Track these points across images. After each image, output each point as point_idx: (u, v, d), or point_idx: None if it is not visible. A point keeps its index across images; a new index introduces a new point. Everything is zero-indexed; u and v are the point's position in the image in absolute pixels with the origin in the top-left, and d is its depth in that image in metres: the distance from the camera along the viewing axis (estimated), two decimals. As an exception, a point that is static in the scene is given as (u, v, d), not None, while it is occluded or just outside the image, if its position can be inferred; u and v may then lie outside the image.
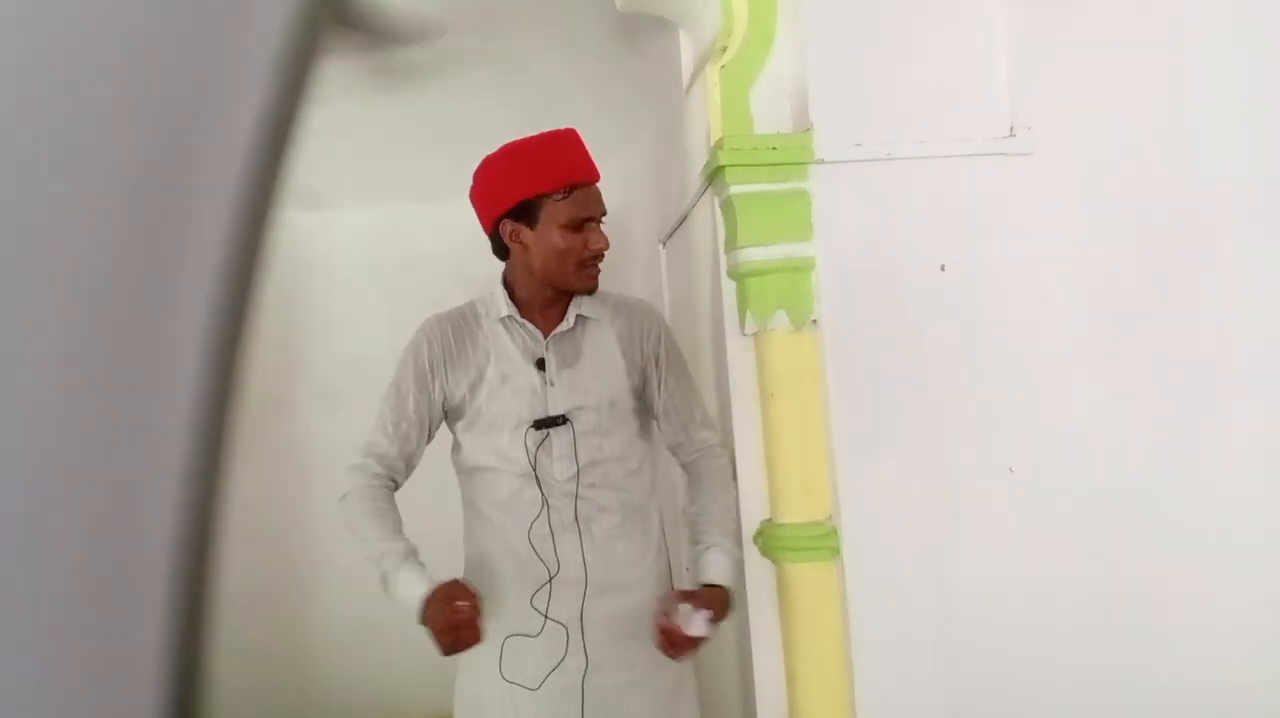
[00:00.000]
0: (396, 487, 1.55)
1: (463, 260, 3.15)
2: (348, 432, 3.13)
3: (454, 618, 1.32)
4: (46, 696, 0.30)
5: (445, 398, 1.52)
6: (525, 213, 1.46)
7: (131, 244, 0.31)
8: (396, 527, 1.48)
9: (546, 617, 1.44)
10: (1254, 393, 1.79)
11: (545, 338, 1.50)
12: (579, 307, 1.51)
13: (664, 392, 1.56)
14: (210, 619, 0.33)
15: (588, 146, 1.52)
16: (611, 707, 1.45)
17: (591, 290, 1.51)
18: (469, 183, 1.53)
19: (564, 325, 1.49)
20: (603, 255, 1.49)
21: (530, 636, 1.45)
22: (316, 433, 3.25)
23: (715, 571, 1.48)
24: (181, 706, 0.32)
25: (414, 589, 1.37)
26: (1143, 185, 1.79)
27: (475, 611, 1.32)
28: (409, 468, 1.56)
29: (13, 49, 0.29)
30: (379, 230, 3.31)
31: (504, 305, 1.52)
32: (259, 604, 2.95)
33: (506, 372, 1.49)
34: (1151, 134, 1.80)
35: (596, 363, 1.50)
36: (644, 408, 1.58)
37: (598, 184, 1.50)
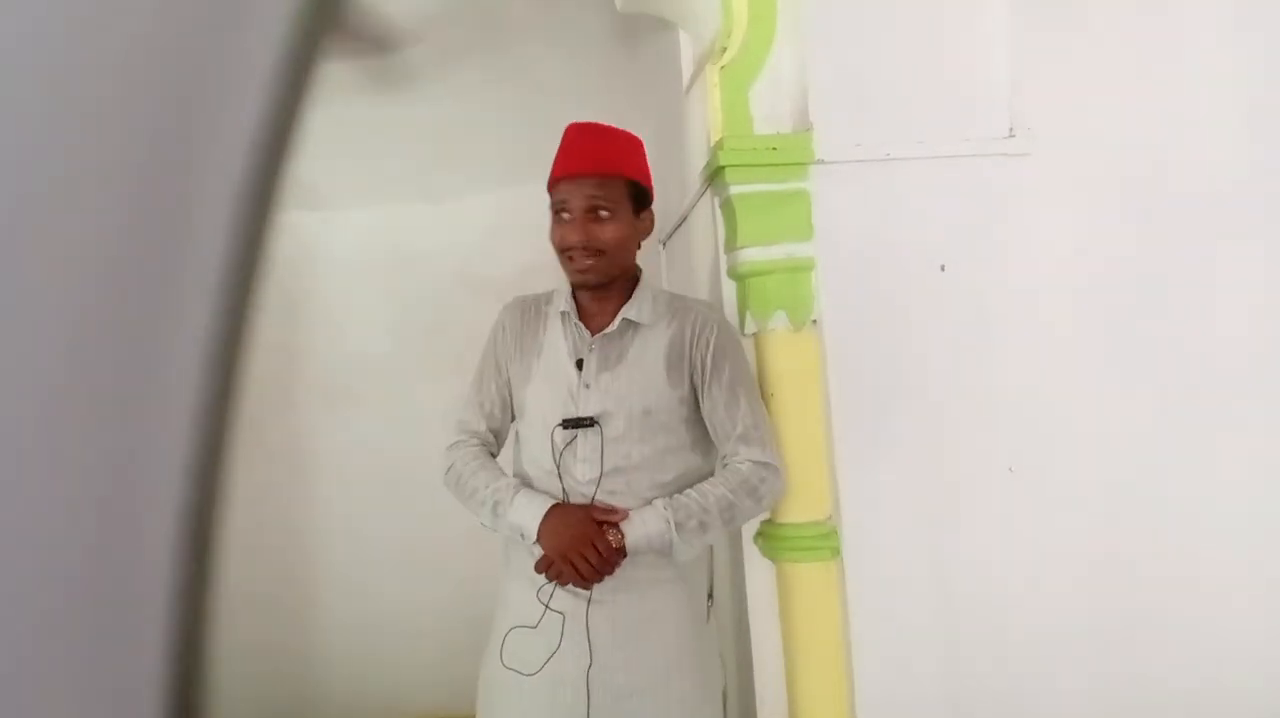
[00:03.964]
0: (494, 455, 1.59)
1: (463, 260, 3.15)
2: (348, 432, 3.17)
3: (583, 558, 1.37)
4: (46, 696, 0.30)
5: (509, 383, 1.58)
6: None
7: (132, 244, 0.31)
8: (504, 473, 1.52)
9: (547, 607, 1.44)
10: (1254, 392, 1.79)
11: (593, 338, 1.50)
12: (629, 310, 1.49)
13: (707, 400, 1.49)
14: (211, 619, 0.33)
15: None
16: (616, 708, 1.43)
17: (579, 284, 1.50)
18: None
19: (610, 328, 1.48)
20: (580, 249, 1.44)
21: (530, 627, 1.46)
22: (316, 433, 3.25)
23: (634, 518, 1.42)
24: (182, 706, 0.32)
25: (529, 509, 1.42)
26: (1143, 185, 1.79)
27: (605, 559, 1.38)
28: (500, 441, 1.61)
29: (11, 49, 0.29)
30: (379, 230, 3.30)
31: (564, 301, 1.53)
32: (259, 604, 2.95)
33: (551, 368, 1.51)
34: (1151, 134, 1.80)
35: (636, 369, 1.47)
36: (699, 419, 1.52)
37: (592, 177, 1.44)
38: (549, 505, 1.41)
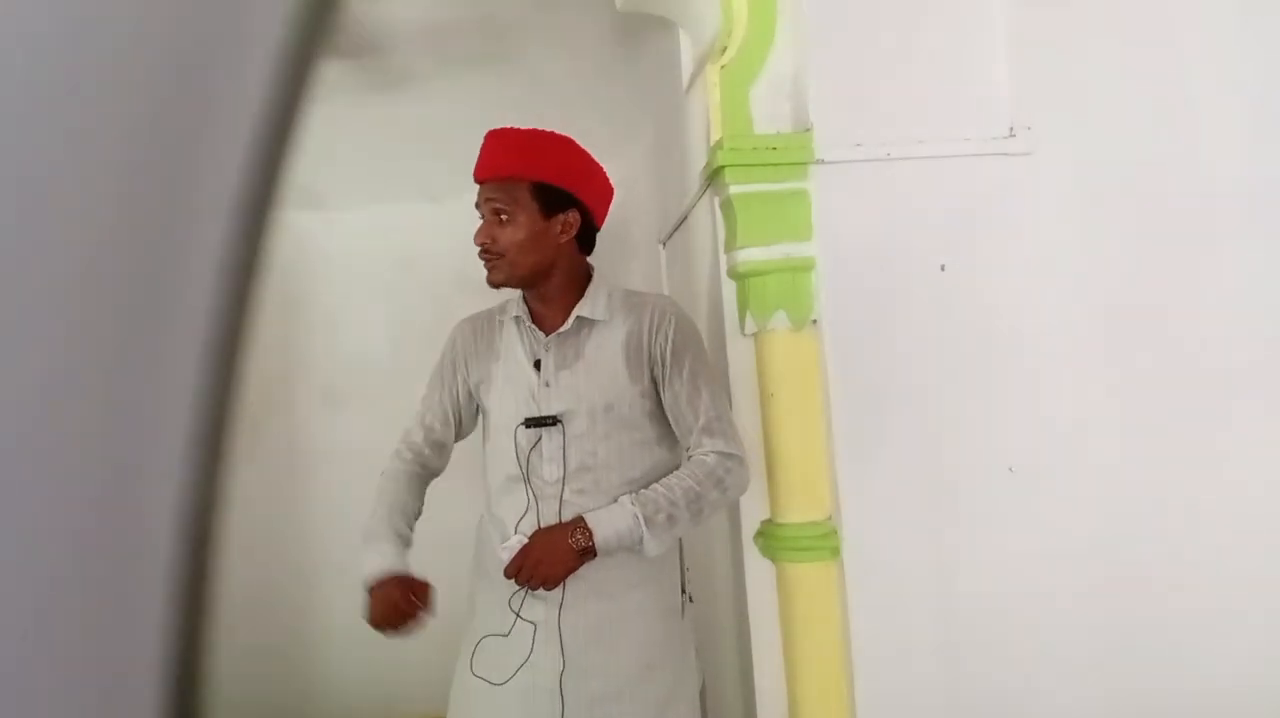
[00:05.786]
0: (429, 471, 1.61)
1: (463, 260, 3.15)
2: (348, 432, 3.17)
3: (390, 608, 1.40)
4: (46, 696, 0.30)
5: (471, 393, 1.59)
6: None
7: (131, 244, 0.31)
8: (397, 509, 1.53)
9: (518, 616, 1.45)
10: (1254, 392, 1.79)
11: (547, 337, 1.50)
12: (582, 308, 1.50)
13: (668, 393, 1.49)
14: (211, 619, 0.33)
15: (584, 146, 1.53)
16: (590, 714, 1.42)
17: (490, 284, 1.50)
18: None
19: (564, 327, 1.49)
20: (487, 251, 1.47)
21: (502, 635, 1.46)
22: (316, 433, 3.25)
23: (594, 514, 1.41)
24: (182, 706, 0.32)
25: (366, 567, 1.46)
26: (1143, 185, 1.79)
27: (409, 607, 1.40)
28: (440, 454, 1.62)
29: (8, 49, 0.29)
30: (379, 230, 3.30)
31: (516, 306, 1.55)
32: (259, 604, 2.95)
33: (511, 371, 1.52)
34: (1151, 134, 1.80)
35: (594, 366, 1.48)
36: (663, 413, 1.52)
37: (489, 182, 1.48)
38: (386, 572, 1.43)
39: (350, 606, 3.12)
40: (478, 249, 1.48)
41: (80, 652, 0.30)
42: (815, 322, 1.71)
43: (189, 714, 0.33)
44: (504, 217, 1.46)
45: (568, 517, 1.42)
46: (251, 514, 2.99)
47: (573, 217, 1.49)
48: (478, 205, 1.50)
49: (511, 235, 1.46)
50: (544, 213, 1.47)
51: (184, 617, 0.32)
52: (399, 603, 1.39)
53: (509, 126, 1.50)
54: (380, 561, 1.44)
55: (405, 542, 1.49)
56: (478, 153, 1.50)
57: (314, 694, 3.16)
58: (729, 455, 1.46)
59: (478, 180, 1.50)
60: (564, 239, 1.49)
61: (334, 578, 3.19)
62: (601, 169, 1.56)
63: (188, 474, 0.32)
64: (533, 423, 1.46)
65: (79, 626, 0.30)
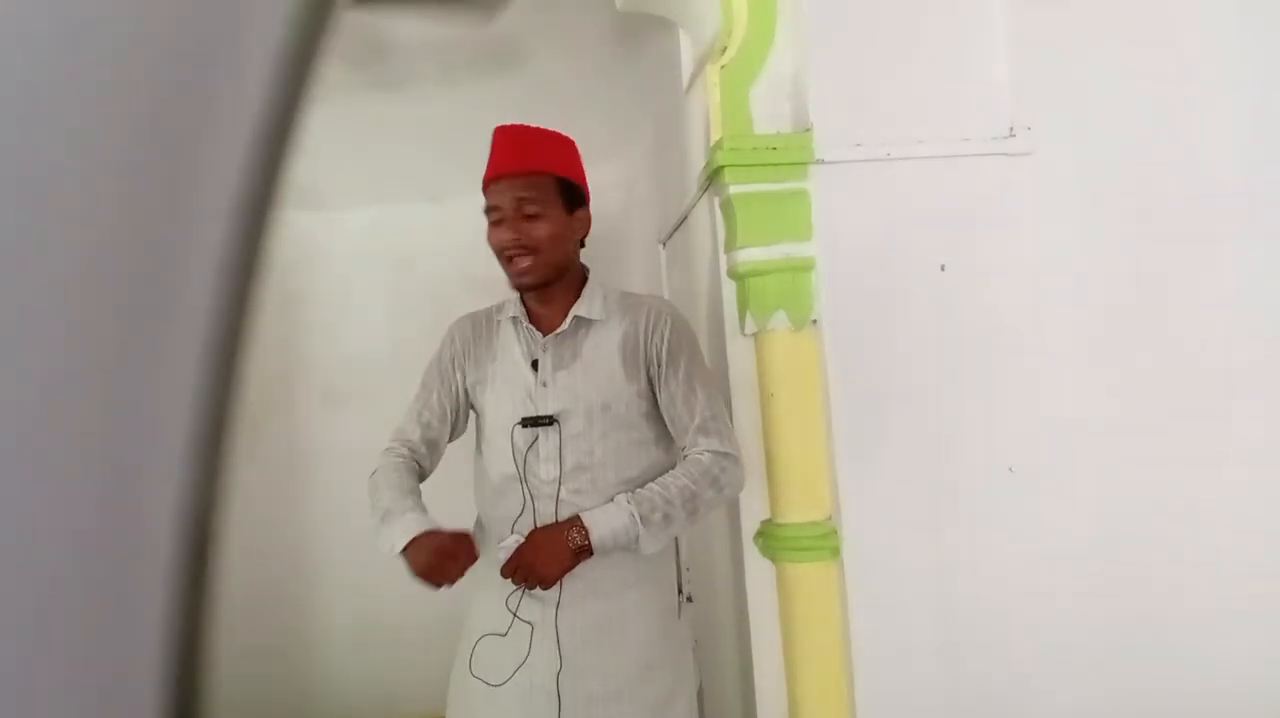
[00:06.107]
0: (422, 469, 1.56)
1: (463, 260, 3.15)
2: (348, 432, 3.17)
3: (440, 553, 1.31)
4: (46, 697, 0.30)
5: (467, 392, 1.57)
6: None
7: (131, 244, 0.31)
8: (406, 489, 1.46)
9: (516, 616, 1.44)
10: (1254, 391, 1.79)
11: (545, 338, 1.50)
12: (580, 308, 1.50)
13: (664, 393, 1.49)
14: (211, 619, 0.33)
15: (580, 146, 1.53)
16: (588, 714, 1.42)
17: (518, 287, 1.49)
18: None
19: (561, 327, 1.49)
20: (514, 249, 1.44)
21: (499, 635, 1.46)
22: (316, 433, 3.25)
23: (590, 513, 1.40)
24: (182, 706, 0.32)
25: (395, 536, 1.36)
26: (1143, 185, 1.79)
27: (460, 551, 1.33)
28: (434, 453, 1.58)
29: (9, 49, 0.29)
30: (379, 230, 3.30)
31: (513, 306, 1.54)
32: (259, 604, 2.95)
33: (508, 372, 1.52)
34: (1151, 134, 1.80)
35: (591, 366, 1.48)
36: (659, 413, 1.52)
37: (519, 177, 1.45)
38: (419, 531, 1.35)
39: (350, 606, 3.14)
40: (508, 245, 1.44)
41: (80, 652, 0.30)
42: (815, 322, 1.71)
43: (189, 714, 0.33)
44: (533, 209, 1.44)
45: (564, 516, 1.42)
46: (251, 514, 2.99)
47: (586, 214, 1.51)
48: (490, 205, 1.47)
49: (544, 230, 1.44)
50: (567, 208, 1.47)
51: (184, 617, 0.32)
52: (448, 547, 1.32)
53: (518, 124, 1.49)
54: (411, 527, 1.36)
55: (424, 512, 1.43)
56: (483, 152, 1.49)
57: (314, 694, 3.16)
58: (724, 455, 1.46)
59: (498, 175, 1.46)
60: (579, 236, 1.50)
61: (334, 578, 3.19)
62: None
63: (188, 474, 0.32)
64: (529, 423, 1.46)
65: (79, 626, 0.30)
